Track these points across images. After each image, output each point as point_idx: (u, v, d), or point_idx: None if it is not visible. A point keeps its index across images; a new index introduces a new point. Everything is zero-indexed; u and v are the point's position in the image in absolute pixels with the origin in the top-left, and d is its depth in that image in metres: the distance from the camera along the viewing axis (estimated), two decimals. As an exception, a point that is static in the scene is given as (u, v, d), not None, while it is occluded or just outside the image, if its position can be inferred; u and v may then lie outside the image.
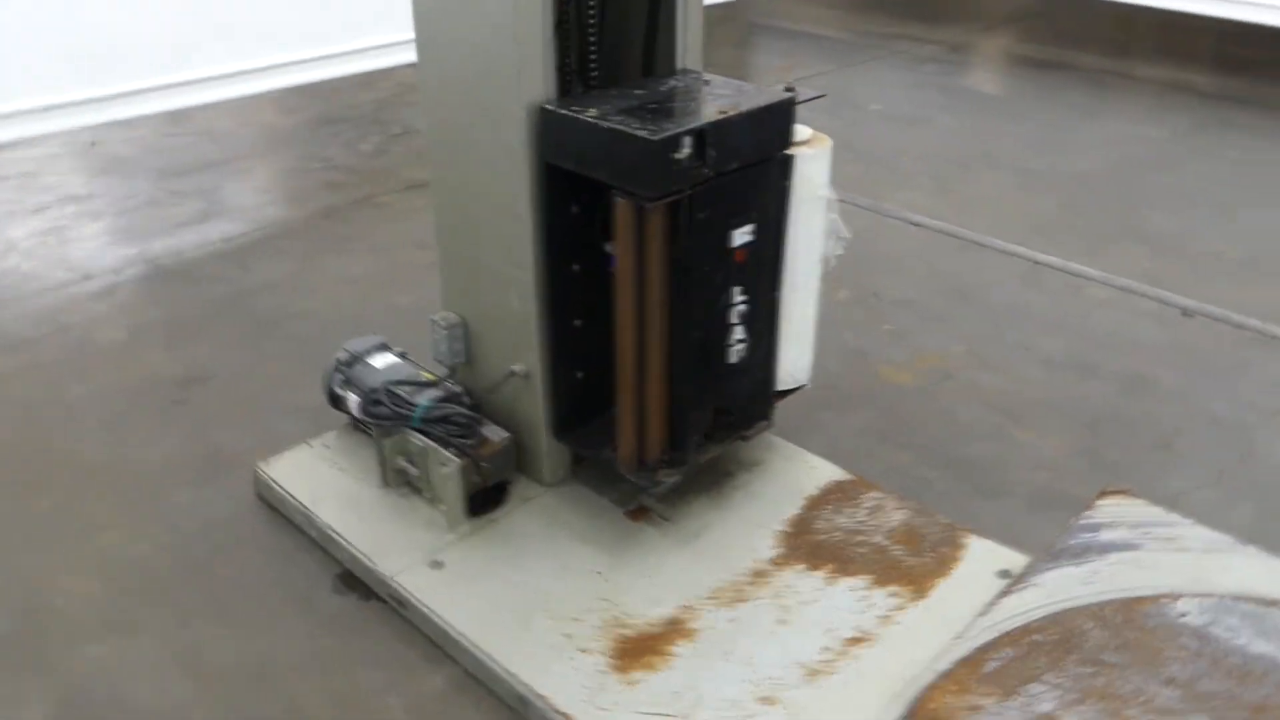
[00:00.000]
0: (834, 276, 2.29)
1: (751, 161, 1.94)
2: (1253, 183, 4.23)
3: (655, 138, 1.74)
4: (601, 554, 2.11)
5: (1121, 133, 4.78)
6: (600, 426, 2.25)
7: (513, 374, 2.19)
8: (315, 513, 2.23)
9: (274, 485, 2.33)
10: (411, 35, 2.06)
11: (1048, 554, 2.10)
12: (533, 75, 1.89)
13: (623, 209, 1.86)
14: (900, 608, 1.99)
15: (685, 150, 1.78)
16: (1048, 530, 2.30)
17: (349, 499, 2.27)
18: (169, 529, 2.30)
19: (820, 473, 2.35)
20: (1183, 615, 1.95)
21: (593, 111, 1.84)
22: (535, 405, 2.20)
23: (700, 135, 1.80)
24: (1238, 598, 1.99)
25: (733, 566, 2.08)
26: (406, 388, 2.27)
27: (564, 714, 1.76)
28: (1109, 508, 2.24)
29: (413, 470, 2.24)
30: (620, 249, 1.90)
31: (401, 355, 2.45)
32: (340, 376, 2.42)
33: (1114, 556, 2.10)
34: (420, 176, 4.23)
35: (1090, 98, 5.26)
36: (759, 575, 2.06)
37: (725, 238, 1.96)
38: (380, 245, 3.65)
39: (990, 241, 3.67)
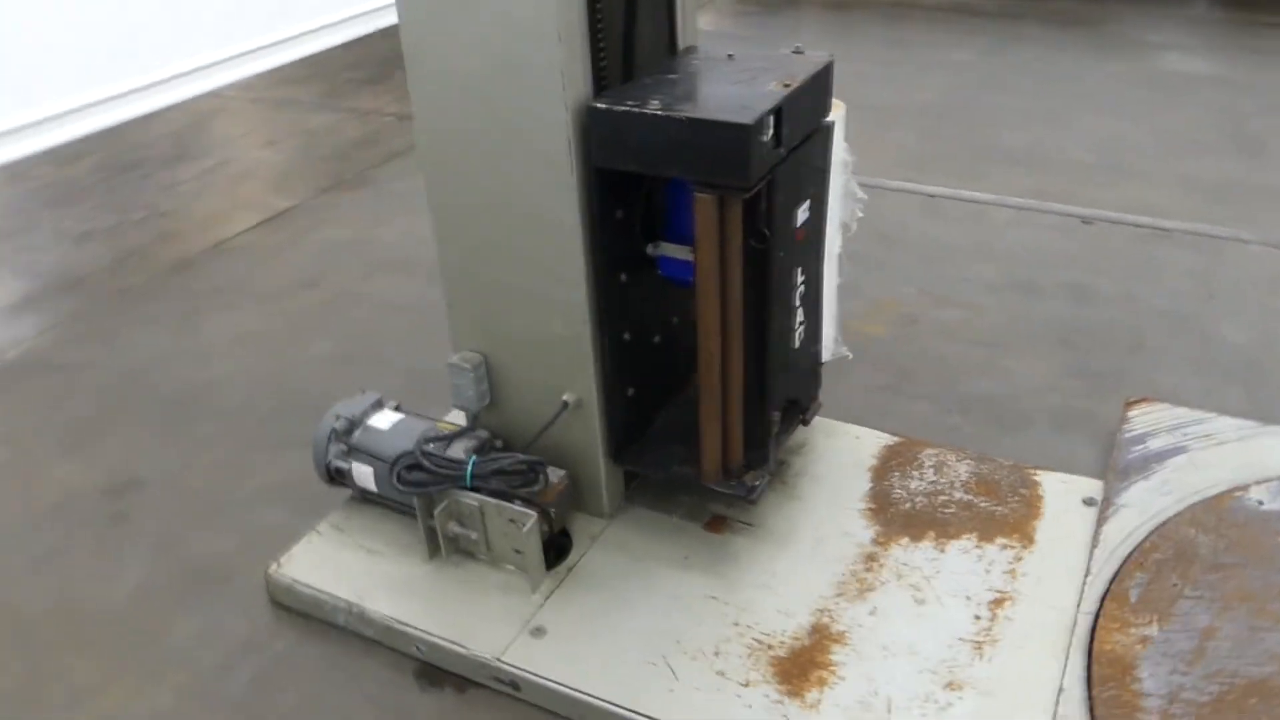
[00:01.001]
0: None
1: (809, 134, 1.83)
2: (1069, 92, 4.54)
3: (748, 121, 1.59)
4: (706, 576, 1.96)
5: (936, 60, 5.01)
6: (655, 442, 2.10)
7: (565, 405, 1.98)
8: (368, 607, 1.94)
9: (298, 586, 2.01)
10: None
11: (1116, 473, 2.16)
12: (574, 73, 1.69)
13: (704, 205, 1.70)
14: (1018, 558, 1.97)
15: (769, 131, 1.65)
16: (1089, 449, 2.37)
17: (399, 583, 1.99)
18: (184, 670, 1.93)
19: (867, 442, 2.30)
20: (1260, 503, 2.05)
21: (654, 104, 1.66)
22: (590, 433, 2.01)
23: (778, 113, 1.67)
24: (1295, 475, 2.12)
25: (841, 557, 1.99)
26: (436, 444, 2.01)
27: (762, 758, 1.63)
28: (1141, 417, 2.33)
29: (471, 535, 1.99)
30: (702, 248, 1.74)
31: (398, 409, 2.18)
32: (339, 448, 2.12)
33: (1171, 463, 2.18)
34: (281, 204, 3.82)
35: (892, 29, 5.49)
36: (871, 560, 1.99)
37: (793, 218, 1.85)
38: (265, 293, 3.24)
39: (879, 181, 3.73)
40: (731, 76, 1.80)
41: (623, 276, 1.91)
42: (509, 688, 1.82)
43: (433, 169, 1.91)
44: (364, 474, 2.11)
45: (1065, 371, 2.66)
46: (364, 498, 2.18)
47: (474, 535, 1.99)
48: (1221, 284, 3.01)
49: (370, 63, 5.50)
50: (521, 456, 1.95)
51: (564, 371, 1.97)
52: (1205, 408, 2.36)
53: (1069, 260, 3.17)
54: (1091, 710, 1.65)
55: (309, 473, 2.30)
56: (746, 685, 1.74)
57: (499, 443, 2.09)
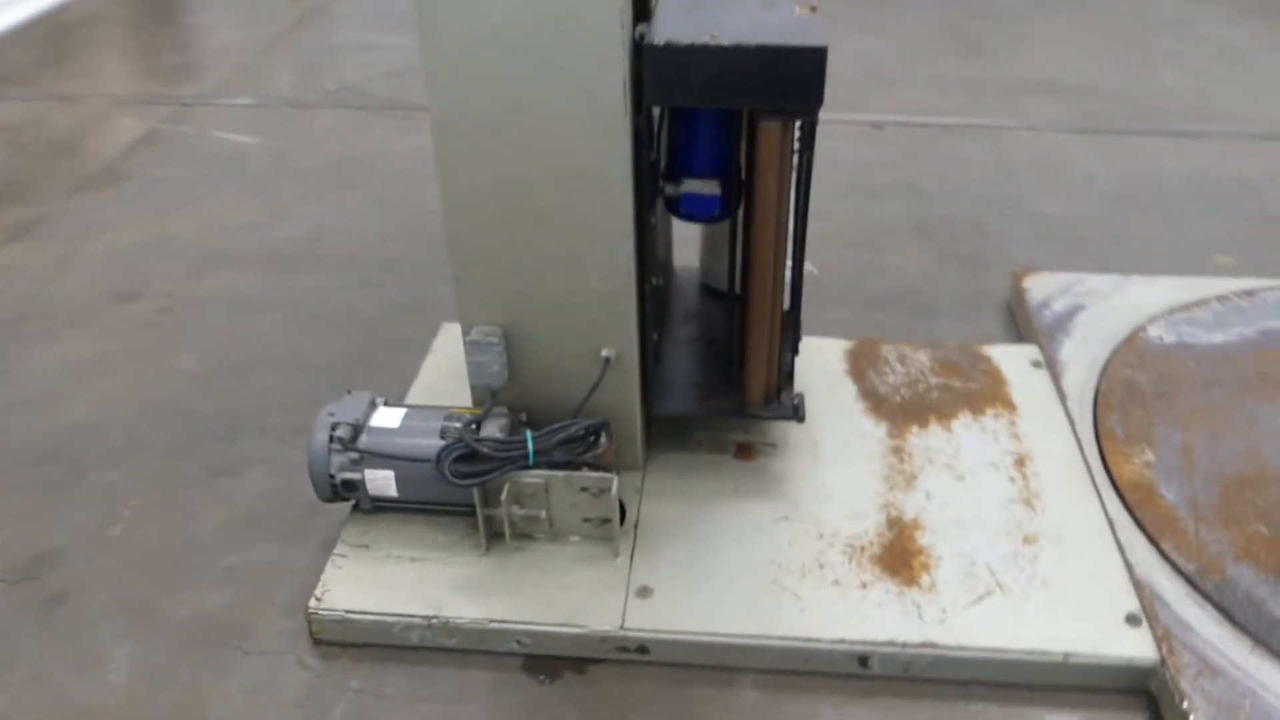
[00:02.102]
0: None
1: (818, 56, 1.87)
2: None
3: (822, 44, 1.61)
4: (766, 501, 2.00)
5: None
6: (672, 385, 2.09)
7: (607, 361, 1.91)
8: (450, 615, 1.78)
9: (353, 617, 1.79)
10: None
11: (1044, 336, 2.45)
12: (625, 8, 1.60)
13: (771, 134, 1.70)
14: (1012, 423, 2.20)
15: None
16: (995, 320, 2.67)
17: (468, 582, 1.84)
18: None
19: (829, 350, 2.42)
20: (1161, 338, 2.43)
21: (712, 34, 1.63)
22: (628, 386, 1.96)
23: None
24: (1172, 310, 2.53)
25: (871, 455, 2.11)
26: (473, 429, 1.87)
27: (925, 642, 1.71)
28: (1035, 286, 2.65)
29: (540, 514, 1.88)
30: (765, 176, 1.74)
31: (390, 403, 1.99)
32: (346, 458, 1.90)
33: (1079, 320, 2.52)
34: (23, 215, 3.22)
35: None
36: (898, 452, 2.12)
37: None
38: (75, 316, 2.74)
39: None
40: (750, 2, 1.80)
41: (653, 219, 1.86)
42: (635, 653, 1.77)
43: (448, 134, 1.73)
44: (382, 479, 1.92)
45: (940, 259, 2.95)
46: (374, 507, 1.97)
47: (541, 514, 1.88)
48: (1016, 167, 3.45)
49: (35, 42, 4.71)
50: (583, 422, 1.86)
51: (601, 328, 1.90)
52: (1068, 270, 2.74)
53: (885, 163, 3.48)
54: (1144, 530, 1.91)
55: (267, 498, 2.08)
56: (865, 586, 1.82)
57: (523, 416, 1.98)
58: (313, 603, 1.81)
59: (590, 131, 1.69)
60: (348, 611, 1.80)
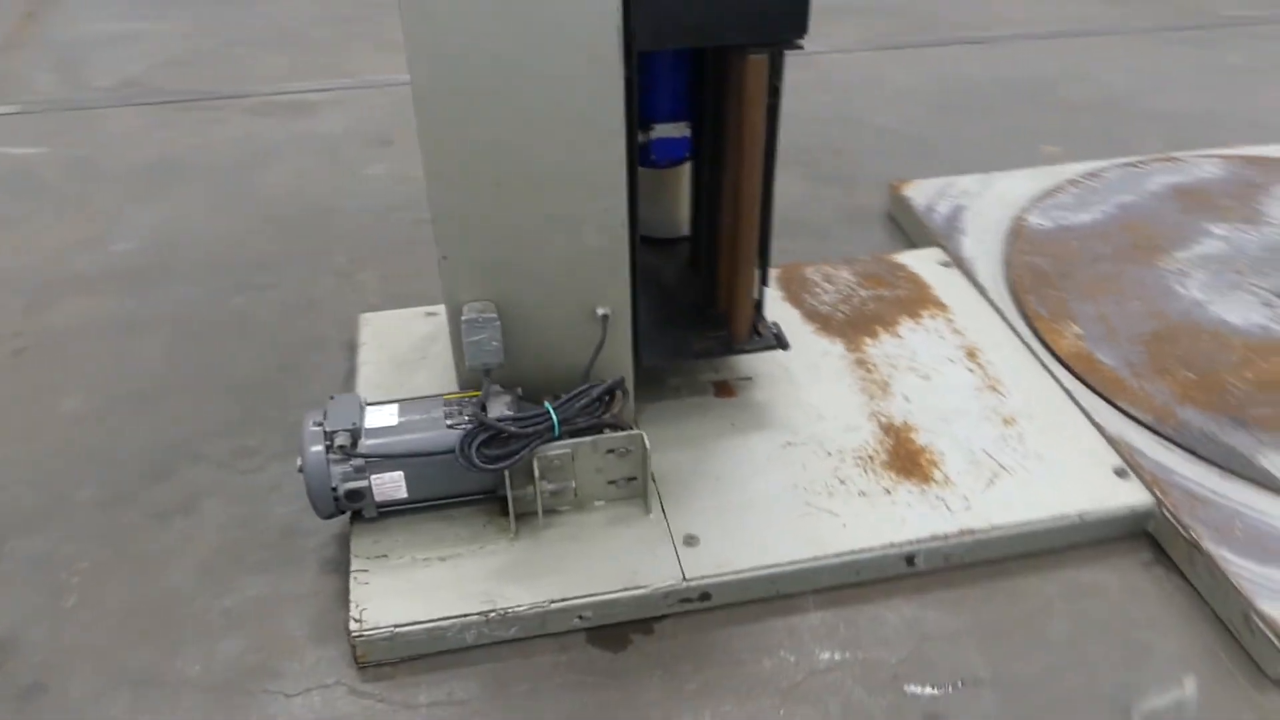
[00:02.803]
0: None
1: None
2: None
3: (806, -29, 1.63)
4: (766, 431, 2.04)
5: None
6: (650, 334, 2.08)
7: (605, 319, 1.87)
8: (506, 605, 1.70)
9: (402, 631, 1.67)
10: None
11: (940, 238, 2.63)
12: (615, -49, 1.54)
13: (757, 66, 1.70)
14: (950, 320, 2.35)
15: (797, -18, 1.70)
16: (882, 231, 2.84)
17: (510, 569, 1.76)
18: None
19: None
20: (1040, 224, 2.67)
21: (697, -28, 1.61)
22: (623, 341, 1.92)
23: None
24: (1037, 199, 2.78)
25: (842, 371, 2.19)
26: (481, 412, 1.78)
27: (962, 530, 1.82)
28: (915, 193, 2.82)
29: (570, 483, 1.82)
30: (752, 111, 1.74)
31: (387, 402, 1.86)
32: (348, 467, 1.77)
33: (964, 218, 2.72)
34: None
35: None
36: (862, 364, 2.22)
37: (773, 71, 1.91)
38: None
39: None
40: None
41: (638, 169, 1.83)
42: (699, 602, 1.77)
43: (432, 101, 1.61)
44: (390, 483, 1.79)
45: (810, 182, 3.07)
46: (379, 513, 1.84)
47: (571, 484, 1.83)
48: (843, 88, 3.63)
49: None
50: (598, 384, 1.82)
51: (595, 287, 1.85)
52: (931, 176, 2.93)
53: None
54: (1098, 394, 2.11)
55: (234, 529, 1.93)
56: (889, 493, 1.91)
57: (519, 390, 1.91)
58: (354, 625, 1.68)
59: (585, 82, 1.63)
60: (396, 626, 1.68)
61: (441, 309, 2.37)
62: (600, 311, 1.87)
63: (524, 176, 1.71)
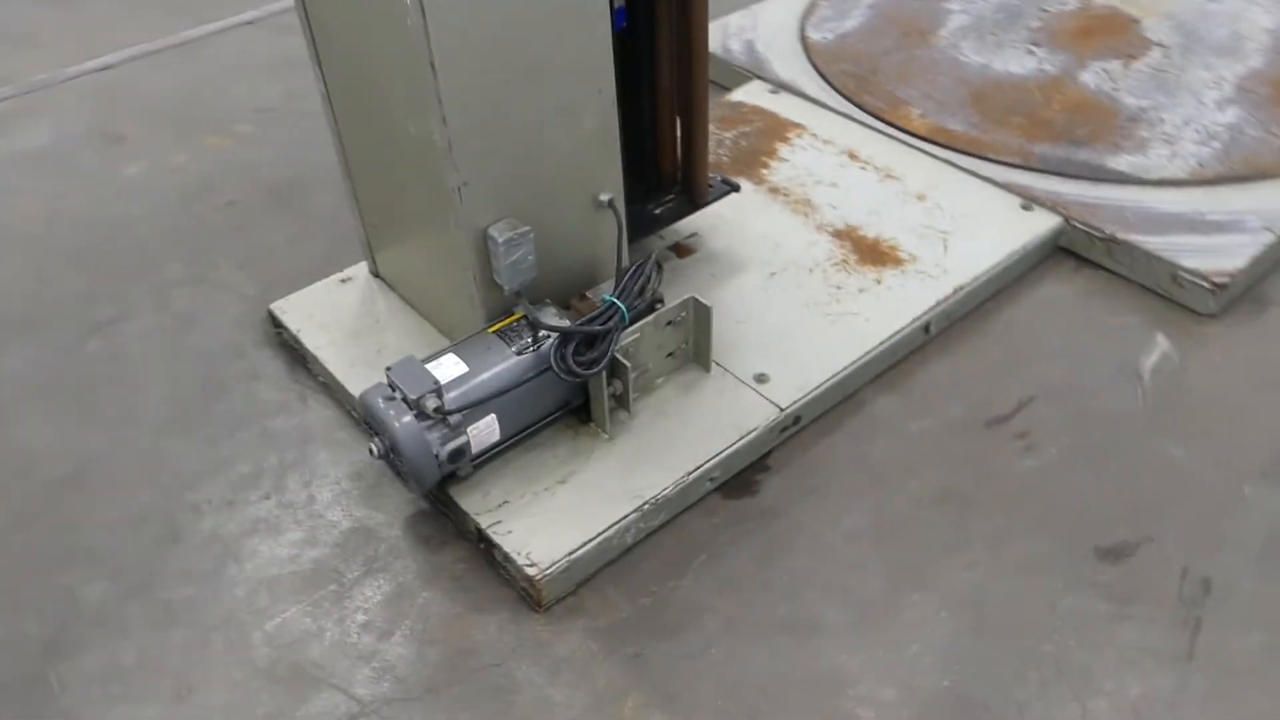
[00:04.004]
0: None
1: None
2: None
3: None
4: (744, 273, 2.16)
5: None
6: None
7: (611, 204, 1.86)
8: (651, 494, 1.72)
9: (576, 556, 1.64)
10: None
11: (752, 70, 2.83)
12: None
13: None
14: (814, 134, 2.57)
15: None
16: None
17: (630, 464, 1.78)
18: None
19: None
20: (825, 38, 2.95)
21: None
22: (618, 220, 1.93)
23: None
24: (803, 17, 3.05)
25: (767, 201, 2.35)
26: (558, 324, 1.74)
27: (953, 290, 2.08)
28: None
29: (649, 365, 1.84)
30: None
31: (440, 353, 1.75)
32: (447, 427, 1.67)
33: (758, 49, 2.93)
34: None
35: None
36: (776, 192, 2.38)
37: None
38: None
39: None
40: None
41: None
42: (794, 427, 1.90)
43: (447, 26, 1.50)
44: (486, 429, 1.72)
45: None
46: (473, 465, 1.76)
47: (648, 365, 1.85)
48: None
49: None
50: (641, 266, 1.83)
51: (595, 175, 1.84)
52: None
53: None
54: (972, 154, 2.44)
55: (299, 544, 1.79)
56: (880, 282, 2.12)
57: (547, 300, 1.87)
58: (531, 570, 1.63)
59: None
60: (570, 554, 1.65)
61: (352, 271, 2.23)
62: (604, 197, 1.87)
63: (530, 73, 1.66)
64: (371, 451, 1.70)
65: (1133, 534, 1.72)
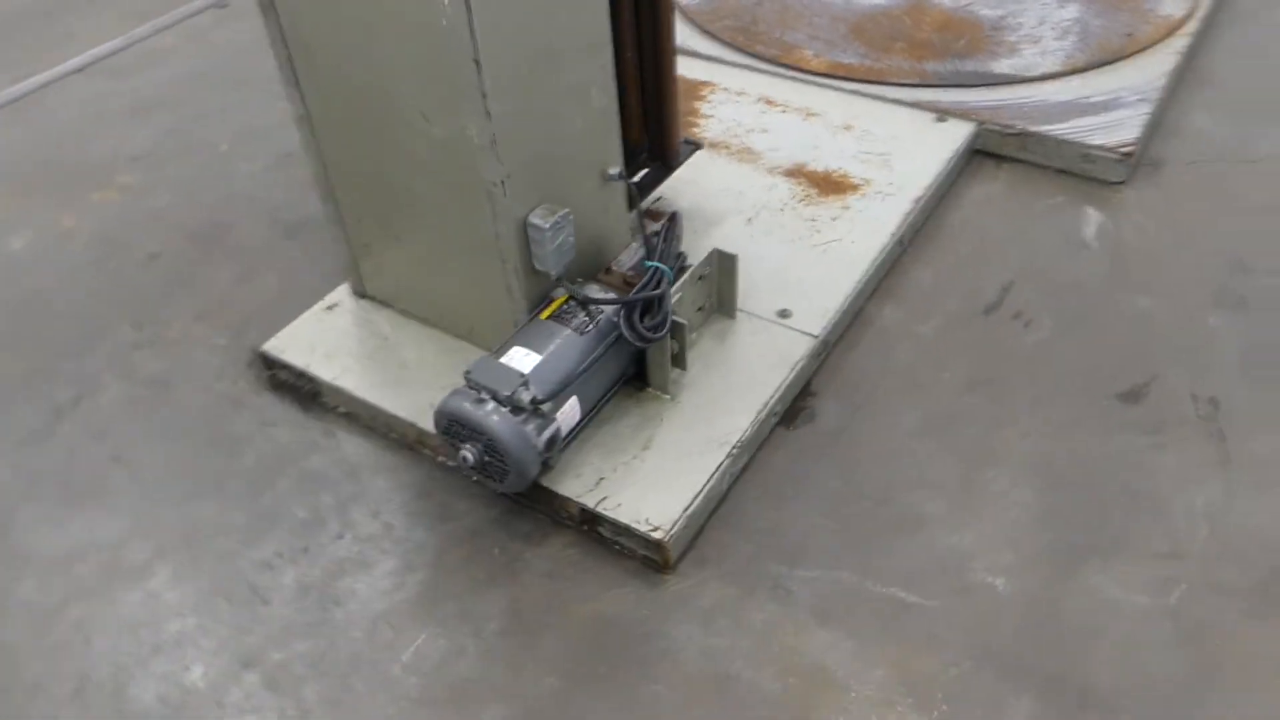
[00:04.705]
0: None
1: None
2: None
3: None
4: (721, 225, 2.26)
5: None
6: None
7: (622, 176, 1.90)
8: (736, 437, 1.79)
9: (691, 511, 1.70)
10: None
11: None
12: None
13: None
14: (726, 88, 2.69)
15: None
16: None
17: (702, 414, 1.85)
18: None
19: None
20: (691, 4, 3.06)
21: None
22: (632, 190, 1.98)
23: None
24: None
25: (714, 158, 2.44)
26: (586, 306, 1.78)
27: (909, 211, 2.26)
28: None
29: (690, 320, 1.90)
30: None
31: (505, 346, 1.75)
32: (540, 418, 1.67)
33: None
34: None
35: None
36: (715, 146, 2.49)
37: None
38: None
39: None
40: None
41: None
42: (826, 350, 2.02)
43: (492, 33, 1.49)
44: (570, 411, 1.74)
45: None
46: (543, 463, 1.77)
47: (693, 317, 1.92)
48: None
49: None
50: (664, 227, 1.88)
51: (602, 150, 1.88)
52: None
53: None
54: (872, 82, 2.63)
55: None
56: (848, 207, 2.27)
57: (579, 279, 1.90)
58: (657, 534, 1.67)
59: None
60: (685, 510, 1.70)
61: (334, 296, 2.16)
62: (612, 171, 1.91)
63: (551, 56, 1.68)
64: (466, 460, 1.68)
65: (1140, 376, 1.97)
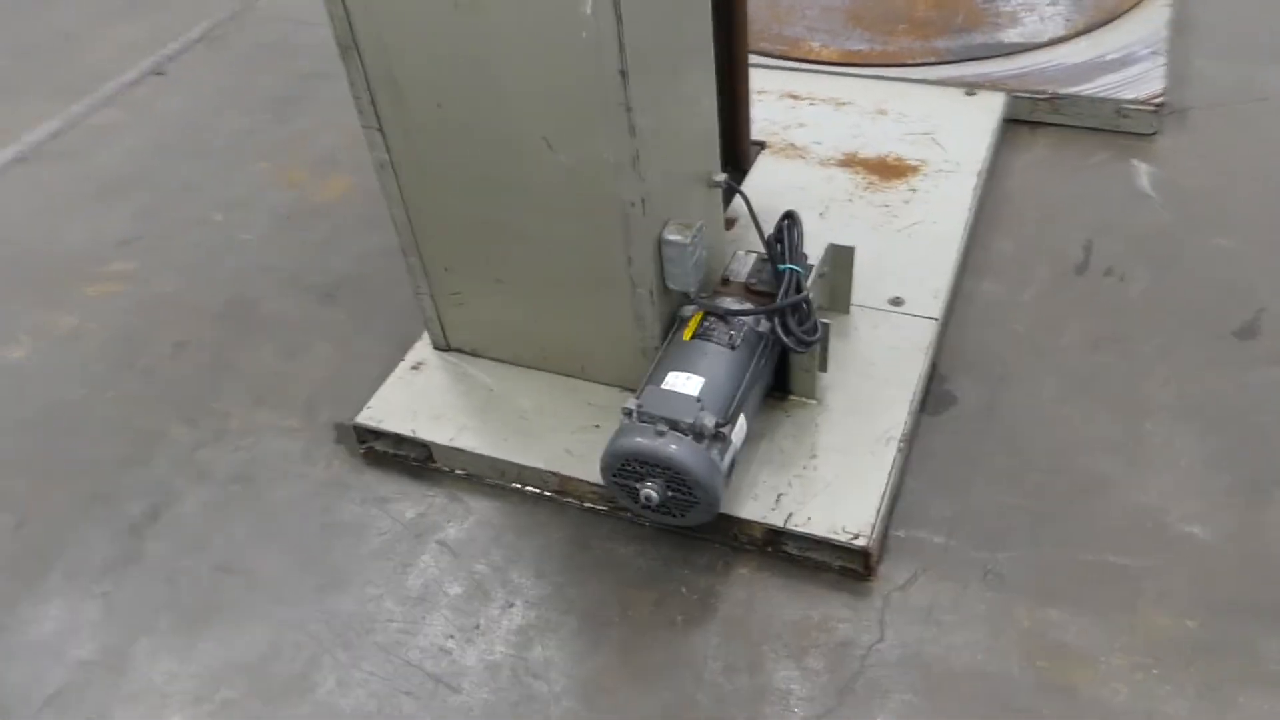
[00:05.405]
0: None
1: None
2: None
3: None
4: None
5: None
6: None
7: (728, 183, 1.83)
8: (899, 431, 1.73)
9: (884, 506, 1.62)
10: None
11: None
12: None
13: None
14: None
15: None
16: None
17: (858, 415, 1.79)
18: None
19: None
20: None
21: None
22: (743, 194, 1.89)
23: None
24: None
25: (764, 156, 2.39)
26: (731, 316, 1.70)
27: (976, 185, 2.26)
28: None
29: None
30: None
31: (662, 372, 1.64)
32: (721, 443, 1.58)
33: None
34: None
35: None
36: (789, 148, 2.43)
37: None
38: None
39: None
40: None
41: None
42: (943, 330, 1.98)
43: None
44: (740, 430, 1.65)
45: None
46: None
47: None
48: None
49: None
50: (788, 221, 1.81)
51: (708, 156, 1.81)
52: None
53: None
54: (889, 65, 2.63)
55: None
56: (915, 190, 2.25)
57: (703, 294, 1.81)
58: (860, 541, 1.59)
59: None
60: (877, 512, 1.63)
61: (418, 353, 2.01)
62: (718, 178, 1.84)
63: (674, 66, 1.61)
64: (649, 500, 1.57)
65: (1246, 312, 2.00)
